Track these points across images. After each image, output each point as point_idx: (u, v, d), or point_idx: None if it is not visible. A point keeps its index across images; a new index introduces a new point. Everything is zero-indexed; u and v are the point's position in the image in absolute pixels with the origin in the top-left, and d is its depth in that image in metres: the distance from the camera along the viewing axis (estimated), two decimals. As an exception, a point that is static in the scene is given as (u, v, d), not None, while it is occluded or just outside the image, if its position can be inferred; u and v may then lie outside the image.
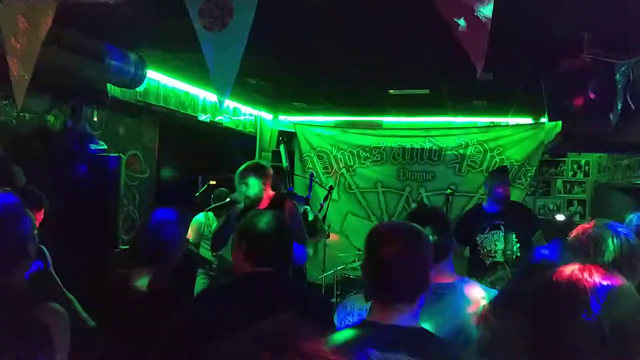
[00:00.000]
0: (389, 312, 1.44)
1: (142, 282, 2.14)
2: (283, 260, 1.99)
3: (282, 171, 4.28)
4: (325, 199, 5.47)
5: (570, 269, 1.06)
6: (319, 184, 6.11)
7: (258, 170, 3.42)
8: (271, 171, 3.54)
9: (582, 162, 6.39)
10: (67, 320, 1.36)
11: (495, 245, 3.83)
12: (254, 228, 1.98)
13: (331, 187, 5.64)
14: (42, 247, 2.94)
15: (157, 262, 2.20)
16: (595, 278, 1.02)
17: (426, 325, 1.71)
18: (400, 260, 1.42)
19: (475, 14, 1.69)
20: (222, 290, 2.08)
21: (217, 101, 2.12)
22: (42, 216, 2.82)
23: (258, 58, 3.82)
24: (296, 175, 6.48)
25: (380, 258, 1.45)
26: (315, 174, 6.53)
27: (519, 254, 3.74)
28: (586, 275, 1.03)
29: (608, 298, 0.99)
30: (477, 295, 1.91)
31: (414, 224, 1.56)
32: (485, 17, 1.69)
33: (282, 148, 6.39)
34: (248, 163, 3.51)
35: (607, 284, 1.01)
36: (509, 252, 3.75)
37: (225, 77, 2.00)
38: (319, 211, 5.18)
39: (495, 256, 3.82)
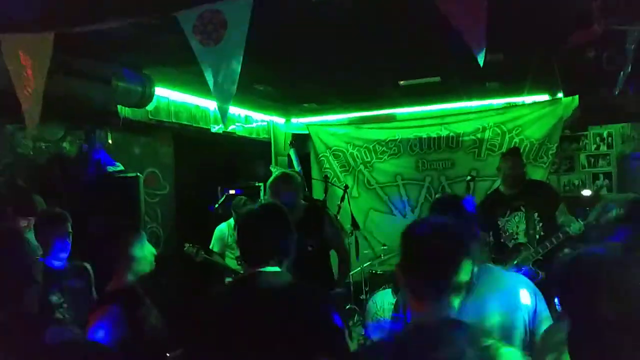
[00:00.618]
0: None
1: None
2: (279, 258, 1.78)
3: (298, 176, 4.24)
4: (342, 199, 5.43)
5: (609, 247, 1.04)
6: (334, 185, 6.08)
7: (287, 180, 3.36)
8: (299, 179, 3.50)
9: (605, 134, 6.21)
10: (79, 347, 1.37)
11: (517, 227, 3.78)
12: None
13: (346, 187, 5.60)
14: (86, 265, 2.98)
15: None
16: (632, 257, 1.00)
17: None
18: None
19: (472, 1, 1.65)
20: (217, 296, 1.96)
21: (219, 112, 2.12)
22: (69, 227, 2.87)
23: (264, 63, 3.82)
24: (313, 179, 6.46)
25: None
26: (332, 174, 6.51)
27: (542, 233, 3.65)
28: (624, 254, 1.01)
29: None
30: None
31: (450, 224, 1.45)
32: (482, 4, 1.65)
33: (292, 152, 6.38)
34: (276, 174, 3.45)
35: None
36: (531, 232, 3.69)
37: (226, 89, 2.00)
38: (338, 213, 5.14)
39: (517, 238, 3.76)
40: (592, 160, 6.26)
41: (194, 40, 1.95)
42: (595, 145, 6.25)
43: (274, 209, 1.89)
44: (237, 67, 1.92)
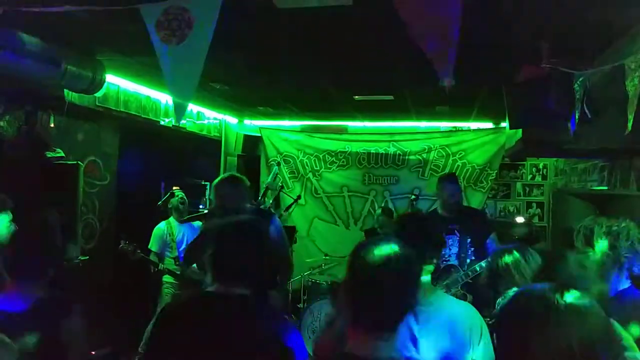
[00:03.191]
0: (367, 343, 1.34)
1: None
2: (258, 281, 1.72)
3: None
4: (288, 208, 5.49)
5: (540, 289, 1.07)
6: (287, 195, 6.08)
7: (234, 183, 3.20)
8: (248, 183, 3.39)
9: (540, 166, 6.59)
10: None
11: (450, 249, 3.89)
12: (227, 239, 1.73)
13: (298, 197, 5.65)
14: None
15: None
16: (564, 297, 1.03)
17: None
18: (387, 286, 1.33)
19: (440, 24, 1.70)
20: (179, 311, 1.79)
21: (175, 111, 2.02)
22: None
23: (222, 63, 3.77)
24: (263, 182, 6.40)
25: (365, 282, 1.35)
26: (281, 179, 6.49)
27: (473, 258, 3.81)
28: (556, 294, 1.04)
29: (576, 317, 1.01)
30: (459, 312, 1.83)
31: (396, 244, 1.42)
32: (451, 28, 1.70)
33: (277, 169, 6.31)
34: (224, 175, 3.30)
35: (576, 303, 1.03)
36: (462, 256, 3.82)
37: (184, 91, 1.92)
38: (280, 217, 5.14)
39: (449, 260, 3.89)
40: (527, 189, 6.62)
41: (156, 36, 1.86)
42: (531, 175, 6.63)
43: (257, 230, 1.81)
44: (199, 68, 1.86)
